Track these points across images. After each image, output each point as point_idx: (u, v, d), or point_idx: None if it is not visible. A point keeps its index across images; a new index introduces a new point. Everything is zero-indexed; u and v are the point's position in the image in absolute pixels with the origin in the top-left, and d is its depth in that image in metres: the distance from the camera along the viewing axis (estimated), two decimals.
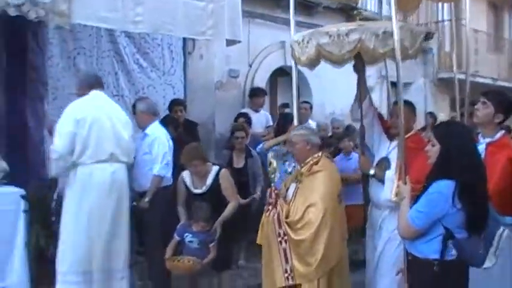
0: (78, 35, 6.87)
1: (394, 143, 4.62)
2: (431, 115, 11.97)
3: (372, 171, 4.66)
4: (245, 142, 6.70)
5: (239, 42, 7.01)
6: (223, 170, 5.25)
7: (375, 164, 4.76)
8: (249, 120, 7.62)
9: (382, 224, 4.63)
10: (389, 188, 4.48)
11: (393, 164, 4.55)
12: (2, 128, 6.17)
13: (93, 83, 5.19)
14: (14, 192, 5.41)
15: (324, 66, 4.69)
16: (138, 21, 5.77)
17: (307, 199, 4.33)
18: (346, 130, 8.01)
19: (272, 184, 4.64)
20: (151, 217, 5.35)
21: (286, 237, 4.27)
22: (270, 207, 4.40)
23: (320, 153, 4.53)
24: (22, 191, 5.42)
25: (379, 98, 10.66)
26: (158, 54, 7.70)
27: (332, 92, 10.24)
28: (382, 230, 4.63)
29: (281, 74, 9.94)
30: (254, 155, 6.67)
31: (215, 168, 5.23)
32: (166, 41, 7.78)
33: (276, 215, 4.33)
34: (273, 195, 4.42)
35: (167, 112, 7.06)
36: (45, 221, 5.55)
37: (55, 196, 5.70)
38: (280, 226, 4.29)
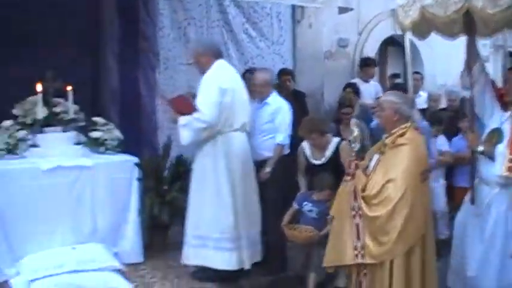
0: (188, 6, 6.91)
1: (509, 113, 4.25)
2: None
3: (480, 148, 4.28)
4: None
5: (351, 10, 6.75)
6: (344, 142, 5.13)
7: (484, 135, 4.35)
8: (357, 91, 7.39)
9: (491, 203, 4.23)
10: (500, 163, 4.11)
11: (506, 137, 4.17)
12: (115, 97, 6.34)
13: (219, 52, 5.19)
14: (128, 160, 5.55)
15: (435, 37, 4.44)
16: None
17: (388, 173, 3.91)
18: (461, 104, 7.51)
19: (353, 154, 4.30)
20: (271, 185, 5.28)
21: (360, 212, 3.92)
22: (349, 178, 4.06)
23: (408, 124, 4.07)
24: (136, 159, 5.54)
25: (494, 69, 10.06)
26: (267, 24, 7.59)
27: (444, 64, 9.65)
28: (491, 209, 4.23)
29: (391, 43, 9.54)
30: None
31: (335, 140, 5.21)
32: (275, 10, 7.65)
33: (352, 187, 3.98)
34: (353, 165, 4.09)
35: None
36: (158, 189, 5.64)
37: (168, 165, 5.80)
38: (355, 199, 3.94)
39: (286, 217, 5.05)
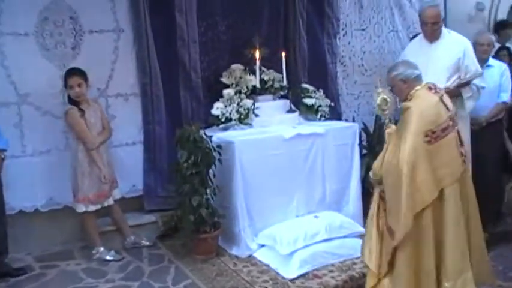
0: None
1: None
2: None
3: None
4: None
5: None
6: None
7: None
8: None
9: None
10: None
11: None
12: (304, 63, 6.31)
13: None
14: (351, 126, 5.61)
15: None
16: None
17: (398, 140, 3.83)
18: None
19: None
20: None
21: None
22: None
23: (418, 87, 3.95)
24: (356, 126, 5.61)
25: None
26: None
27: None
28: None
29: None
30: None
31: None
32: None
33: None
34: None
35: None
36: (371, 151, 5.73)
37: None
38: None
39: None
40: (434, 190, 3.77)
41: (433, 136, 3.82)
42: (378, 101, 4.12)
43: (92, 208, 4.69)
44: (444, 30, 5.16)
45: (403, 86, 3.97)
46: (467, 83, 4.93)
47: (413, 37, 6.43)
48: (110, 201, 4.80)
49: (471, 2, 8.52)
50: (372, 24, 7.00)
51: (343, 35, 6.73)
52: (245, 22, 5.97)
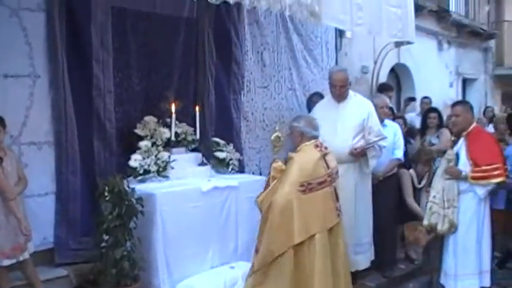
0: (264, 32, 7.24)
1: None
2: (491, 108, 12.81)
3: None
4: None
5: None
6: None
7: None
8: None
9: None
10: None
11: None
12: (212, 118, 6.51)
13: None
14: (259, 180, 5.80)
15: None
16: (360, 23, 6.20)
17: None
18: None
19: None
20: None
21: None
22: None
23: (308, 143, 4.62)
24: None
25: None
26: (319, 52, 8.12)
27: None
28: None
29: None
30: None
31: None
32: (324, 39, 8.21)
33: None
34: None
35: None
36: None
37: None
38: None
39: None
40: (301, 235, 4.32)
41: (308, 187, 4.40)
42: (272, 137, 4.83)
43: (7, 262, 4.46)
44: (350, 92, 5.67)
45: (298, 137, 4.65)
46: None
47: (310, 96, 7.02)
48: (26, 255, 4.57)
49: (357, 66, 9.28)
50: (273, 82, 7.39)
51: (247, 92, 7.03)
52: (158, 75, 6.09)
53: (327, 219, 4.50)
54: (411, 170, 6.39)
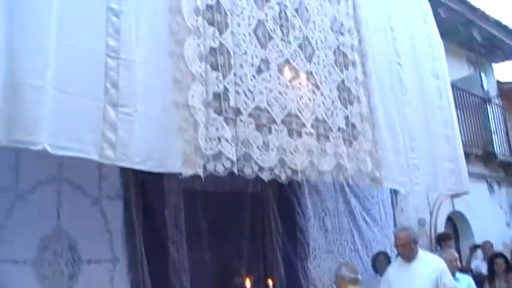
0: (323, 198, 7.49)
1: None
2: None
3: None
4: None
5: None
6: None
7: None
8: None
9: None
10: None
11: None
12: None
13: None
14: None
15: None
16: (418, 182, 6.43)
17: None
18: None
19: None
20: None
21: None
22: None
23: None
24: None
25: None
26: (376, 211, 8.29)
27: None
28: None
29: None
30: None
31: None
32: (380, 198, 8.42)
33: None
34: None
35: None
36: None
37: None
38: None
39: None
40: None
41: None
42: None
43: None
44: (420, 251, 5.74)
45: (340, 282, 5.21)
46: None
47: (375, 256, 7.07)
48: None
49: (414, 219, 9.37)
50: (336, 246, 7.49)
51: (313, 258, 7.12)
52: (229, 250, 6.27)
53: None
54: None
